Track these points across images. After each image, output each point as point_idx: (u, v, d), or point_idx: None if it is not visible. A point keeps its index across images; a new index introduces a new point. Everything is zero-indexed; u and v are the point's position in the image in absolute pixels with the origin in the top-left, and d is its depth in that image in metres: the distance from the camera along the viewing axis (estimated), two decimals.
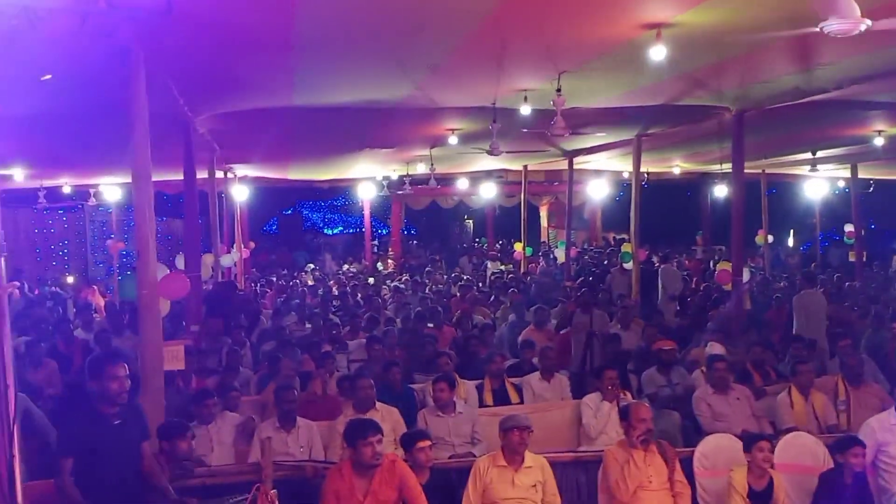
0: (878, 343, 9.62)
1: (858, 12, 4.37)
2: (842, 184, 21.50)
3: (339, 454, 6.07)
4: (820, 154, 15.34)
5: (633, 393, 7.72)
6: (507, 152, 13.97)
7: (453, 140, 12.42)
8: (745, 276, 11.65)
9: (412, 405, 7.21)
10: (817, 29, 4.39)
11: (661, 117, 11.20)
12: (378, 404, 6.66)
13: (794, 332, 10.63)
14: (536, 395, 7.89)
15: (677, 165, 19.29)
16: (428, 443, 5.44)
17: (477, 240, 31.13)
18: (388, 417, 6.47)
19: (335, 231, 37.83)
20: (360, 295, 15.28)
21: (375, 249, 26.62)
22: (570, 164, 16.44)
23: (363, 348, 9.32)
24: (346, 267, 23.63)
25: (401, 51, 7.16)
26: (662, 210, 24.35)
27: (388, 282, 18.29)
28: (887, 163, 16.23)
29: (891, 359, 8.87)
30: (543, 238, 26.08)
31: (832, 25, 4.25)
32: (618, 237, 23.96)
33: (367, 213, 24.17)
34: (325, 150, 14.95)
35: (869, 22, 4.48)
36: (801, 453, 5.96)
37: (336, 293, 16.22)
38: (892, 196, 22.74)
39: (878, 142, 12.43)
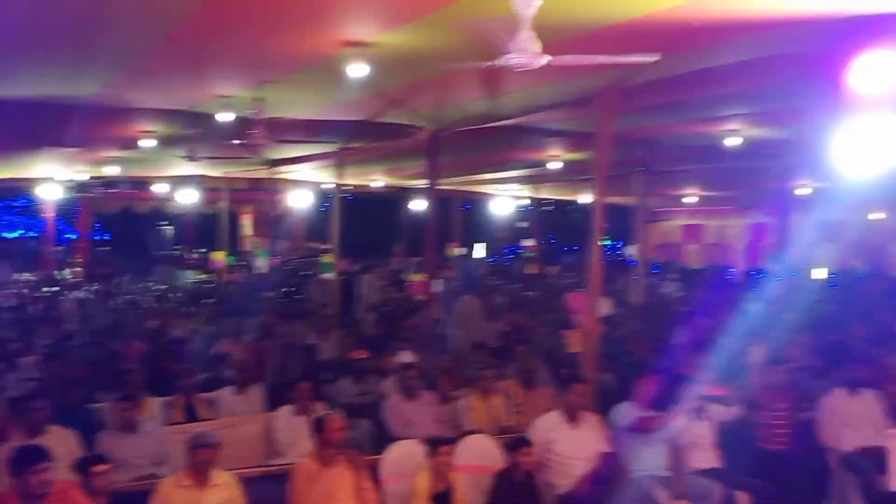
0: (550, 347, 10.54)
1: (538, 48, 4.76)
2: (526, 202, 23.37)
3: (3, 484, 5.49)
4: (507, 174, 16.59)
5: (328, 403, 7.80)
6: (207, 158, 13.57)
7: (148, 143, 11.80)
8: (438, 286, 12.26)
9: (92, 427, 6.70)
10: (501, 61, 4.73)
11: (362, 132, 11.47)
12: (52, 427, 6.12)
13: (447, 335, 11.26)
14: (229, 410, 7.70)
15: (379, 179, 19.88)
16: (105, 467, 5.10)
17: (175, 247, 29.76)
18: (62, 441, 5.94)
19: (14, 235, 34.25)
20: (36, 307, 13.97)
21: (60, 256, 24.48)
22: (274, 173, 16.32)
23: (38, 365, 8.52)
24: (22, 275, 21.45)
25: (87, 46, 6.68)
26: (365, 222, 24.95)
27: (71, 291, 16.90)
28: (560, 184, 17.94)
29: (560, 362, 9.73)
30: (245, 247, 25.56)
31: (512, 59, 4.61)
32: (320, 247, 24.13)
33: (49, 216, 22.16)
34: None
35: (547, 58, 4.90)
36: (479, 455, 6.38)
37: (9, 304, 14.68)
38: (565, 214, 25.21)
39: (554, 165, 13.69)
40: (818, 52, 5.99)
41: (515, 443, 6.06)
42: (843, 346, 10.06)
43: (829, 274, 18.90)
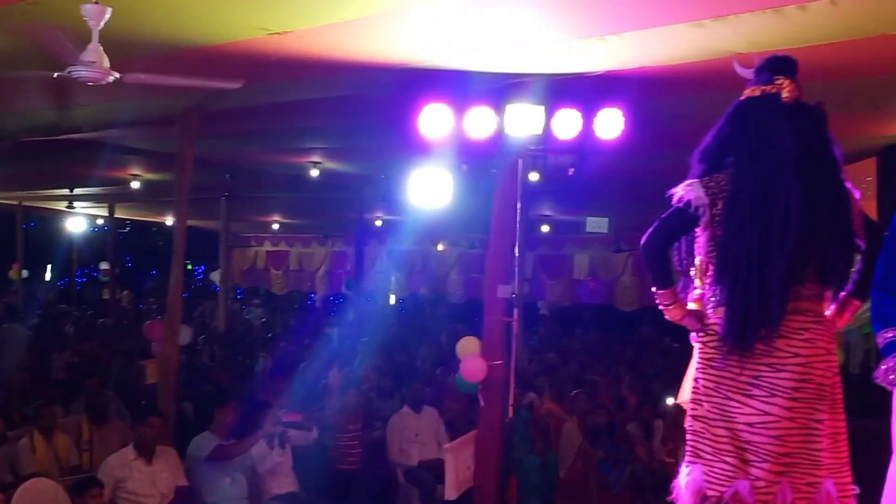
0: (126, 378, 9.96)
1: (107, 63, 4.51)
2: (101, 221, 21.89)
3: None
4: (79, 191, 15.40)
5: None
6: None
7: None
8: None
9: None
10: (66, 73, 4.39)
11: None
12: None
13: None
14: None
15: None
16: None
17: None
18: None
19: None
20: None
21: None
22: None
23: None
24: None
25: None
26: None
27: None
28: (142, 205, 17.14)
29: (138, 394, 9.25)
30: None
31: (80, 72, 4.31)
32: None
33: None
34: None
35: (117, 74, 4.66)
36: (37, 499, 5.75)
37: None
38: (146, 236, 24.10)
39: (135, 185, 13.03)
40: (391, 97, 6.51)
41: (83, 484, 5.63)
42: (410, 366, 10.97)
43: (399, 300, 20.52)
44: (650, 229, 3.16)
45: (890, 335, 2.86)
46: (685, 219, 3.12)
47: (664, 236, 3.17)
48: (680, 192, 3.13)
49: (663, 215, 3.18)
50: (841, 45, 4.77)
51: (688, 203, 3.09)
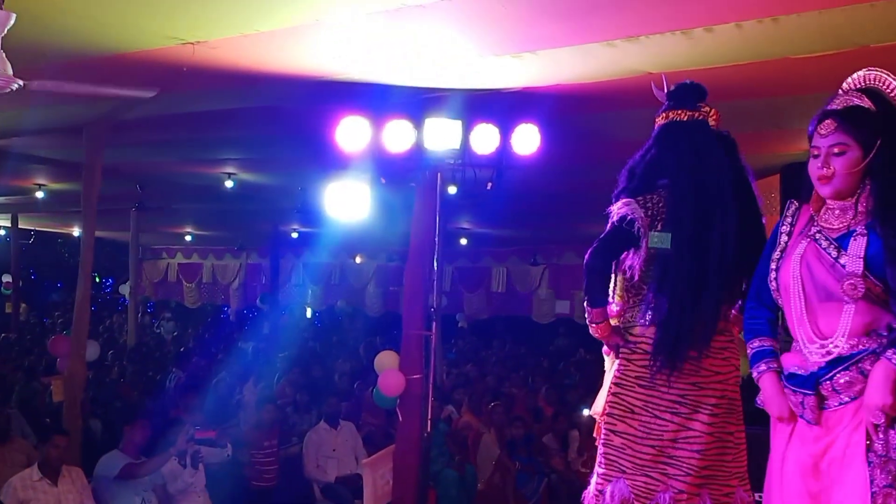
0: (29, 395, 9.60)
1: (10, 71, 4.35)
2: (2, 232, 21.04)
3: None
4: None
5: None
6: None
7: None
8: None
9: None
10: None
11: None
12: None
13: None
14: None
15: None
16: None
17: None
18: None
19: None
20: None
21: None
22: None
23: None
24: None
25: None
26: None
27: None
28: (47, 215, 16.57)
29: (41, 411, 8.93)
30: None
31: None
32: None
33: None
34: None
35: (21, 82, 4.49)
36: None
37: None
38: (51, 248, 23.24)
39: (39, 195, 12.60)
40: (308, 109, 6.46)
41: None
42: (327, 381, 10.86)
43: (315, 313, 20.31)
44: (593, 247, 3.14)
45: (756, 344, 2.95)
46: (627, 237, 3.10)
47: (608, 254, 3.15)
48: (620, 210, 3.12)
49: (604, 234, 3.17)
50: (746, 67, 4.96)
51: (630, 222, 3.08)
